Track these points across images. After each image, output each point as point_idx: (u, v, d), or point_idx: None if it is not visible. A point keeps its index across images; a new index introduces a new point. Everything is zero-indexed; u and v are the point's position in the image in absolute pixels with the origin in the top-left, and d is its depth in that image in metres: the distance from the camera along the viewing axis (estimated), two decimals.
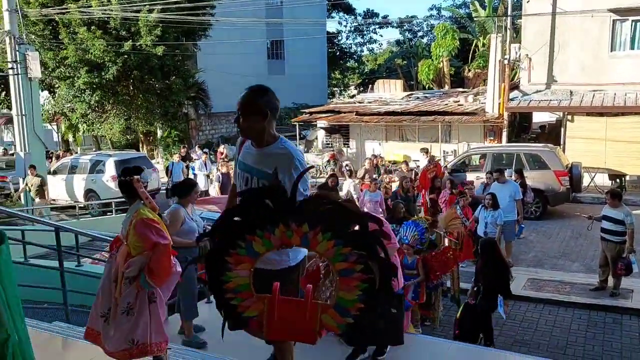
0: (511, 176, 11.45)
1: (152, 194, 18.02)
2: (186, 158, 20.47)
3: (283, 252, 3.01)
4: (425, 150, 16.80)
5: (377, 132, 21.19)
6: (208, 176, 16.99)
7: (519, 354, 6.09)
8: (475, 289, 6.67)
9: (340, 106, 22.70)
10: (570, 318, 8.12)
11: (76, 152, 26.22)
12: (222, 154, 19.54)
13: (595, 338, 7.42)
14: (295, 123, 22.37)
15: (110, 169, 17.09)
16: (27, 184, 15.27)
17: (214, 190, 15.34)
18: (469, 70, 28.58)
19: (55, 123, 31.38)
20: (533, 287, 9.25)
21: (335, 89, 44.63)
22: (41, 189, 15.20)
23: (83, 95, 23.26)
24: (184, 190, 5.80)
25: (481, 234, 9.25)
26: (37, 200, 15.20)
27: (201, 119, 29.14)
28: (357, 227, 2.52)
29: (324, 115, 21.87)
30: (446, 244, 7.85)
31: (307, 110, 23.34)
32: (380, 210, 11.15)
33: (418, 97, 23.09)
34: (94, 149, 28.34)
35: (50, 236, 6.94)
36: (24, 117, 16.25)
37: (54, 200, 18.05)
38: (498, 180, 10.25)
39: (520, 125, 21.48)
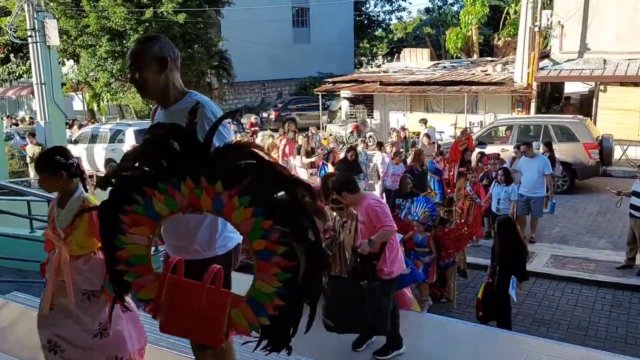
0: (539, 149, 10.93)
1: None
2: None
3: (210, 240, 2.44)
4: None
5: (402, 103, 20.66)
6: None
7: (534, 337, 5.74)
8: (491, 269, 6.36)
9: (364, 76, 22.18)
10: (593, 297, 7.74)
11: (100, 121, 26.37)
12: (252, 124, 19.44)
13: (619, 319, 7.04)
14: (318, 93, 21.94)
15: (130, 139, 17.06)
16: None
17: None
18: (499, 39, 27.58)
19: (80, 92, 31.61)
20: (556, 264, 8.86)
21: (363, 58, 43.74)
22: None
23: (105, 63, 23.19)
24: None
25: (495, 211, 8.92)
26: None
27: (224, 89, 28.89)
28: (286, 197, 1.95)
29: (347, 85, 21.39)
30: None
31: (330, 80, 22.85)
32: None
33: (445, 67, 22.39)
34: (118, 119, 28.41)
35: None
36: (43, 85, 16.25)
37: None
38: (526, 153, 9.73)
39: (551, 95, 20.68)
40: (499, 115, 18.11)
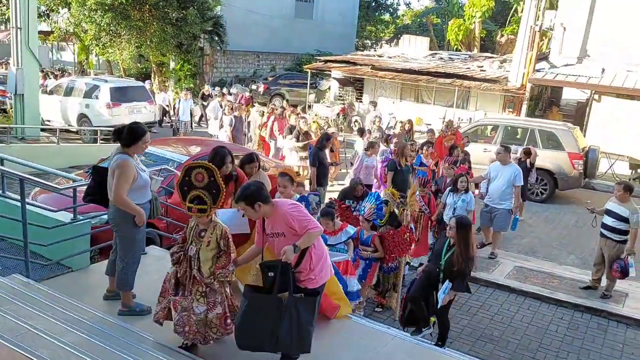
0: (516, 153, 10.34)
1: (147, 126, 17.66)
2: (206, 97, 19.59)
3: None
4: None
5: (393, 90, 20.08)
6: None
7: (468, 357, 5.25)
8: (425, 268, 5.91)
9: (357, 58, 21.51)
10: (550, 317, 7.33)
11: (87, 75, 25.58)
12: (246, 100, 18.59)
13: (572, 343, 6.64)
14: (308, 70, 21.27)
15: (105, 95, 16.39)
16: None
17: (225, 135, 14.35)
18: (502, 35, 26.89)
19: (70, 42, 30.74)
20: (519, 276, 8.43)
21: (367, 41, 42.82)
22: None
23: (94, 15, 22.41)
24: (132, 137, 4.66)
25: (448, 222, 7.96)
26: None
27: (217, 56, 28.10)
28: None
29: (338, 65, 20.75)
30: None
31: (322, 58, 22.16)
32: (374, 178, 10.18)
33: (442, 58, 21.75)
34: (106, 74, 27.62)
35: None
36: (19, 30, 15.48)
37: (48, 121, 17.52)
38: (500, 159, 8.83)
39: (549, 100, 20.16)
40: (489, 114, 17.59)
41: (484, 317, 7.16)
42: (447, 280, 5.38)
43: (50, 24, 27.93)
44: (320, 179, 9.54)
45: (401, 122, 16.40)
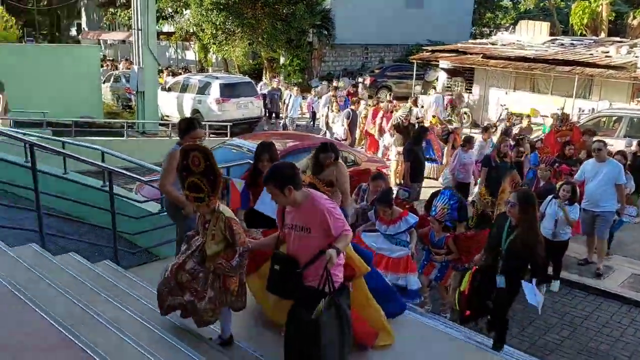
0: (630, 146, 9.26)
1: (253, 121, 18.10)
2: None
3: None
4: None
5: (505, 80, 18.96)
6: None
7: None
8: (483, 257, 5.13)
9: (467, 46, 20.56)
10: None
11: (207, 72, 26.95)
12: (351, 94, 18.29)
13: None
14: (414, 61, 20.71)
15: (215, 91, 17.12)
16: None
17: (341, 129, 14.29)
18: (634, 18, 24.37)
19: (190, 42, 32.56)
20: (635, 285, 7.54)
21: (485, 29, 40.95)
22: None
23: (210, 15, 23.56)
24: (183, 129, 4.81)
25: (547, 235, 6.63)
26: None
27: (325, 50, 28.32)
28: None
29: (447, 55, 19.97)
30: None
31: (429, 48, 21.48)
32: (472, 177, 9.62)
33: (562, 44, 20.14)
34: (222, 71, 28.94)
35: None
36: (140, 32, 16.61)
37: (167, 116, 18.67)
38: (599, 156, 7.59)
39: None
40: (615, 104, 16.02)
41: (589, 328, 6.48)
42: (531, 279, 4.63)
43: (173, 25, 29.80)
44: (415, 175, 9.18)
45: (513, 113, 15.50)
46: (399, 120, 11.96)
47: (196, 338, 3.87)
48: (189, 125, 4.82)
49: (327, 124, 15.50)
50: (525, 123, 13.43)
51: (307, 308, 3.42)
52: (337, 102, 15.95)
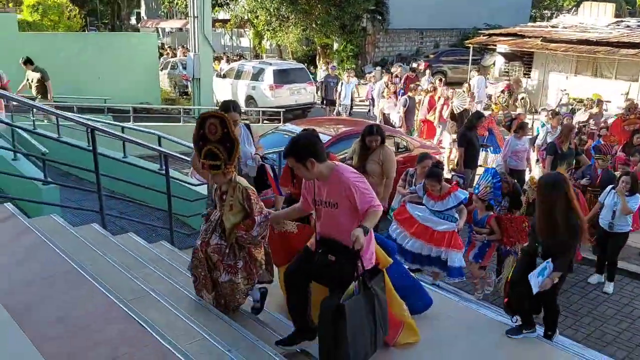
0: None
1: (306, 107, 18.08)
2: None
3: None
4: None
5: (566, 64, 18.25)
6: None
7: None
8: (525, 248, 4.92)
9: (526, 30, 19.87)
10: None
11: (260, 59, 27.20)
12: (410, 79, 17.73)
13: None
14: (469, 45, 20.20)
15: (269, 77, 17.29)
16: (27, 80, 12.09)
17: (398, 117, 14.09)
18: None
19: (245, 29, 32.93)
20: None
21: (546, 12, 39.46)
22: (42, 85, 11.92)
23: (264, 1, 23.73)
24: (220, 110, 4.91)
25: (604, 226, 6.68)
26: (39, 97, 11.88)
27: (379, 35, 28.03)
28: None
29: (504, 39, 19.37)
30: None
31: (485, 32, 20.90)
32: (526, 164, 9.35)
33: (628, 25, 19.17)
34: (276, 58, 29.15)
35: None
36: (196, 19, 16.92)
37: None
38: None
39: None
40: None
41: None
42: (548, 260, 4.32)
43: (228, 12, 30.18)
44: (469, 161, 9.02)
45: (574, 99, 14.87)
46: (456, 108, 11.74)
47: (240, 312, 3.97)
48: (223, 108, 4.88)
49: (381, 112, 15.11)
50: (595, 109, 12.79)
51: (338, 293, 3.31)
52: (389, 89, 15.74)
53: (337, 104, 17.16)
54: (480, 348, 4.31)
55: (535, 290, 4.29)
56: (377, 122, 14.59)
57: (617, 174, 7.04)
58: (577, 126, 10.93)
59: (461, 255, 5.48)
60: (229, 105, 4.96)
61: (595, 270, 7.05)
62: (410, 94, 13.94)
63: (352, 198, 3.33)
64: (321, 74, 20.71)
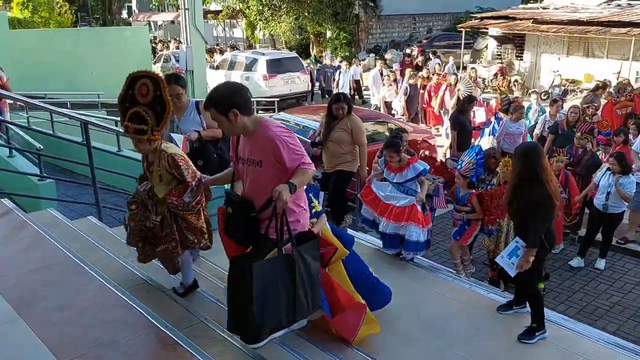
0: None
1: (300, 96, 18.07)
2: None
3: None
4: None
5: (558, 45, 18.30)
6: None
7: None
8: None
9: (517, 12, 19.89)
10: None
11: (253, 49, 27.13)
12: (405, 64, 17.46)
13: None
14: (462, 29, 20.21)
15: (262, 67, 17.30)
16: None
17: (400, 106, 14.02)
18: None
19: (239, 19, 32.81)
20: None
21: None
22: None
23: None
24: None
25: (598, 207, 6.70)
26: None
27: (371, 22, 27.98)
28: None
29: (495, 22, 19.39)
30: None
31: (477, 15, 20.90)
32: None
33: (619, 5, 19.21)
34: (269, 47, 29.10)
35: None
36: (187, 11, 16.87)
37: None
38: None
39: None
40: None
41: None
42: (517, 238, 4.09)
43: (220, 3, 30.08)
44: (462, 144, 9.10)
45: (567, 80, 14.90)
46: (461, 94, 11.70)
47: None
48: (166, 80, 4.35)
49: (383, 100, 14.81)
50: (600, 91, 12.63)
51: (254, 253, 3.07)
52: (388, 77, 15.32)
53: (334, 92, 17.11)
54: (476, 325, 4.28)
55: (511, 272, 4.07)
56: (379, 110, 14.47)
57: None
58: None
59: (420, 229, 5.10)
60: (170, 78, 4.52)
61: (578, 252, 7.00)
62: (411, 81, 13.86)
63: (278, 155, 3.01)
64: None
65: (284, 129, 3.11)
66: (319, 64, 20.44)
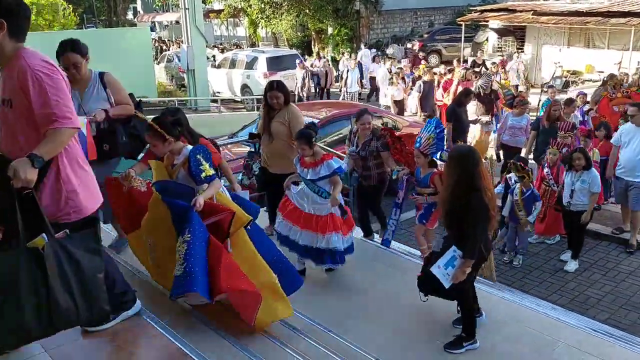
0: None
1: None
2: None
3: None
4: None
5: (559, 37, 18.27)
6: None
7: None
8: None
9: (517, 4, 19.85)
10: None
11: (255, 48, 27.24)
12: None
13: None
14: (461, 23, 20.20)
15: (262, 66, 17.42)
16: None
17: (413, 104, 13.78)
18: None
19: (241, 18, 32.90)
20: None
21: None
22: None
23: None
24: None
25: (565, 206, 6.54)
26: None
27: (372, 17, 27.99)
28: None
29: (496, 14, 19.37)
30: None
31: (477, 8, 20.88)
32: (523, 141, 9.29)
33: None
34: (272, 46, 29.19)
35: None
36: (187, 10, 17.04)
37: (218, 93, 19.17)
38: (633, 119, 6.89)
39: None
40: None
41: (634, 284, 6.40)
42: (454, 247, 3.69)
43: (222, 2, 30.18)
44: (456, 136, 9.16)
45: (568, 71, 14.85)
46: (480, 89, 11.57)
47: None
48: (60, 48, 4.04)
49: (392, 99, 14.35)
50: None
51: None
52: (397, 74, 14.99)
53: (343, 91, 17.07)
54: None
55: (446, 284, 3.67)
56: (388, 109, 14.22)
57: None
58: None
59: (340, 235, 4.58)
60: (66, 45, 3.98)
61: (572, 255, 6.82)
62: (425, 78, 13.52)
63: (28, 92, 2.35)
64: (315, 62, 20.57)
65: (51, 65, 2.45)
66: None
